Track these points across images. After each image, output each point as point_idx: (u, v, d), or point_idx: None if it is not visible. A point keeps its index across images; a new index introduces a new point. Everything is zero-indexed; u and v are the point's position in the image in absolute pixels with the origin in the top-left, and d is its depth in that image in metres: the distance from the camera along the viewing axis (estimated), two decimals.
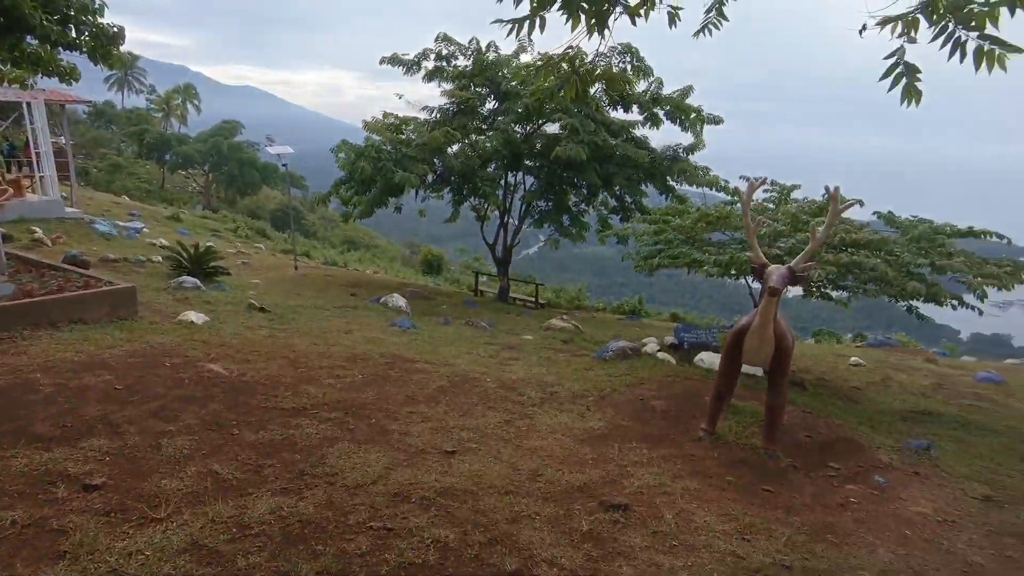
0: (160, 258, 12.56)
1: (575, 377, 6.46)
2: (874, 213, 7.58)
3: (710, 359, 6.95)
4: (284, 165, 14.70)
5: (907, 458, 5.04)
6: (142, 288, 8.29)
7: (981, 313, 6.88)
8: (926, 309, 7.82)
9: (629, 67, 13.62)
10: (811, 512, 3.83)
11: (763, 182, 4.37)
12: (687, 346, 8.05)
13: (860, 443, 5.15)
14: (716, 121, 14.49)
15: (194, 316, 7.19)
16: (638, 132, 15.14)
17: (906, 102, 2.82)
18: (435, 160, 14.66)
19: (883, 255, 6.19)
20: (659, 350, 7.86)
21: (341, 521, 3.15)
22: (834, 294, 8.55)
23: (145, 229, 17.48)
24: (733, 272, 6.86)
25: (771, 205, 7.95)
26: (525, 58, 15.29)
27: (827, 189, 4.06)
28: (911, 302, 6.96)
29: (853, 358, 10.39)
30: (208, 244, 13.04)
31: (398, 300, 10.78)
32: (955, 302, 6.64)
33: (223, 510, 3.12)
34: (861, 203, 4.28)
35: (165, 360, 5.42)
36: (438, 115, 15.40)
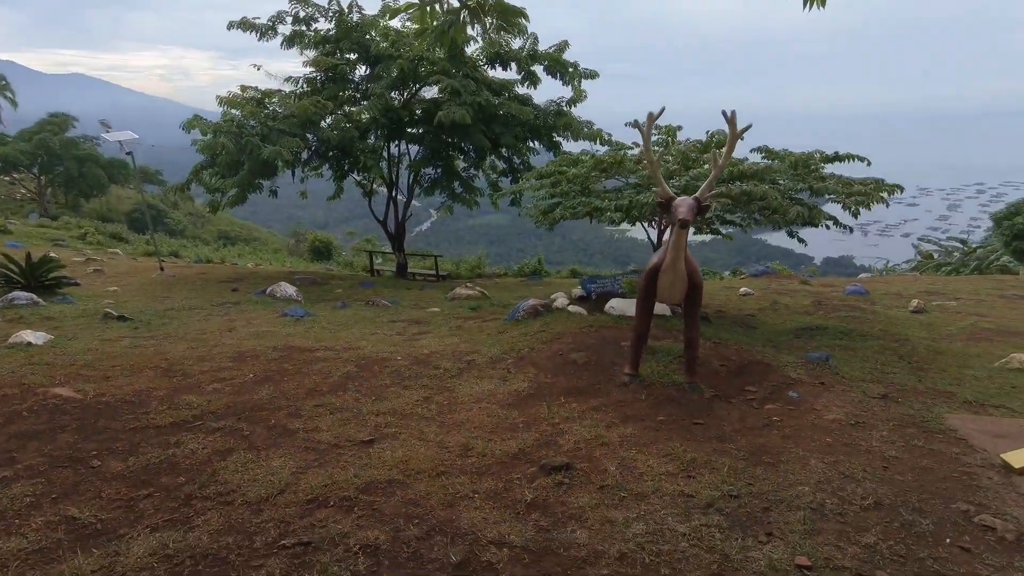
0: None
1: (490, 342, 6.17)
2: (752, 150, 7.90)
3: (620, 305, 6.95)
4: (128, 154, 12.74)
5: (811, 371, 5.32)
6: None
7: (851, 231, 7.45)
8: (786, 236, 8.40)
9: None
10: (742, 437, 3.86)
11: (661, 112, 4.21)
12: (595, 296, 8.04)
13: (769, 363, 5.36)
14: (591, 75, 14.55)
15: (31, 336, 5.98)
16: (519, 91, 14.87)
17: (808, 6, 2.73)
18: (308, 134, 13.47)
19: (768, 184, 6.43)
20: (569, 304, 7.77)
21: (246, 546, 2.63)
22: (722, 230, 8.92)
23: None
24: (635, 214, 6.85)
25: (658, 148, 8.04)
26: (395, 23, 14.38)
27: (724, 114, 3.98)
28: (792, 227, 7.37)
29: (742, 288, 11.07)
30: (46, 254, 11.10)
31: (287, 289, 9.84)
32: (830, 223, 7.11)
33: (85, 565, 2.48)
34: (750, 126, 4.29)
35: None
36: (304, 86, 14.10)
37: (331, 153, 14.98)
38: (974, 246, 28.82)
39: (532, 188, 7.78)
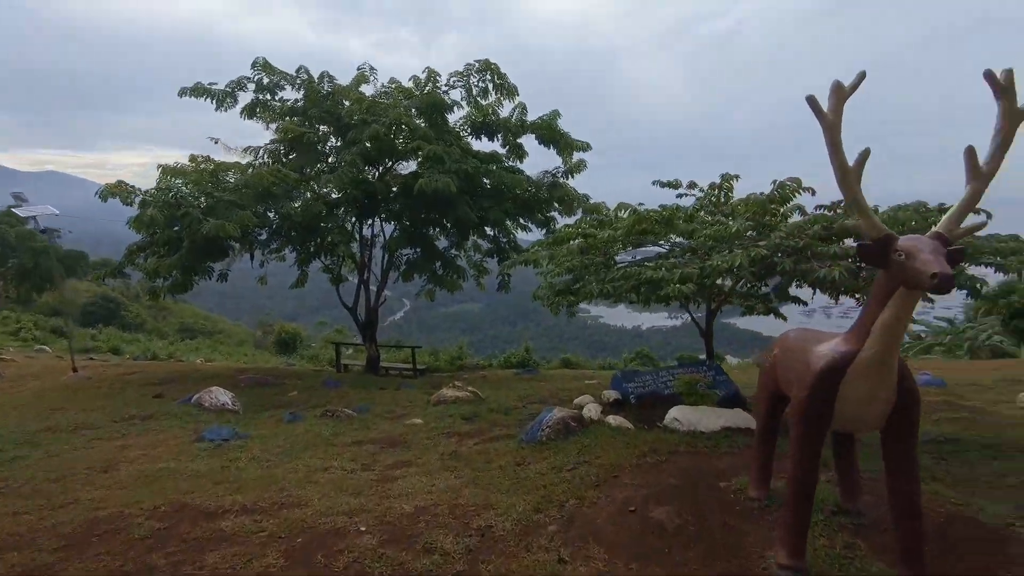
0: None
1: (509, 484, 3.97)
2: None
3: (689, 417, 4.87)
4: (43, 231, 10.63)
5: None
6: None
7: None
8: None
9: (491, 85, 12.02)
10: None
11: (860, 79, 2.34)
12: (634, 400, 5.96)
13: (978, 521, 3.27)
14: (584, 147, 13.29)
15: None
16: (507, 164, 13.47)
17: None
18: (267, 210, 11.63)
19: None
20: (603, 412, 5.67)
21: None
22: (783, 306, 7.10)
23: None
24: (707, 283, 4.97)
25: (702, 206, 6.32)
26: (367, 89, 13.12)
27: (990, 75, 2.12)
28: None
29: None
30: None
31: (219, 396, 7.50)
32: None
33: None
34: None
35: None
36: (265, 156, 12.46)
37: (294, 233, 13.09)
38: (961, 325, 27.93)
39: (546, 259, 5.91)
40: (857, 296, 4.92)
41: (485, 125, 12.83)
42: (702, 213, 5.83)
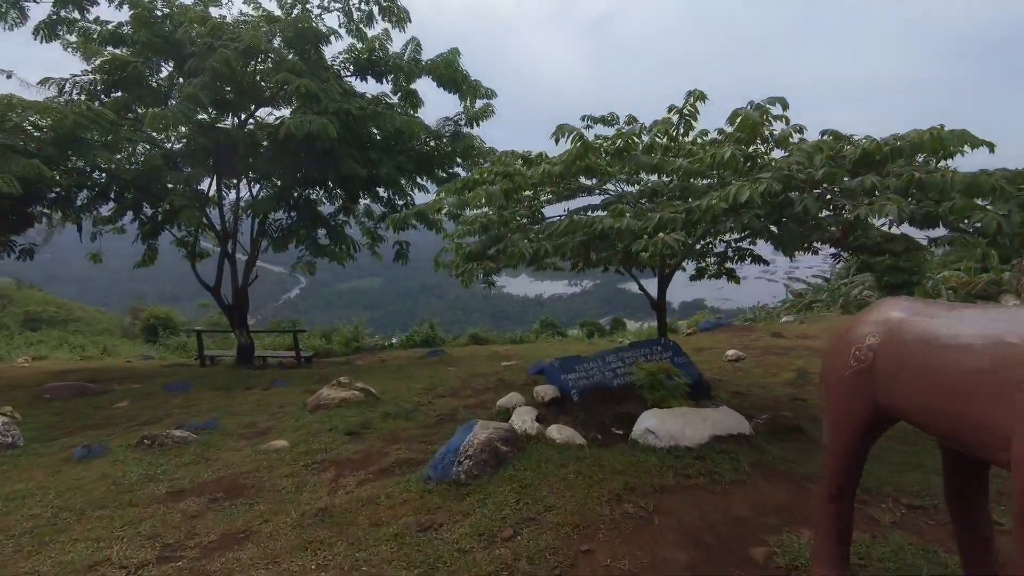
0: None
1: None
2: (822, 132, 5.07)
3: (666, 427, 3.47)
4: None
5: None
6: None
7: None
8: None
9: (376, 8, 9.88)
10: None
11: None
12: (577, 396, 4.51)
13: None
14: (490, 95, 11.54)
15: None
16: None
17: None
18: (78, 159, 8.80)
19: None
20: (538, 416, 4.17)
21: None
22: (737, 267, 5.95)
23: None
24: (696, 230, 3.50)
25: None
26: (220, 14, 10.39)
27: None
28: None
29: (729, 352, 8.20)
30: None
31: None
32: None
33: None
34: None
35: None
36: (76, 92, 9.46)
37: (127, 194, 10.29)
38: (834, 283, 29.92)
39: (454, 207, 4.17)
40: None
41: (371, 64, 10.66)
42: (655, 151, 4.40)
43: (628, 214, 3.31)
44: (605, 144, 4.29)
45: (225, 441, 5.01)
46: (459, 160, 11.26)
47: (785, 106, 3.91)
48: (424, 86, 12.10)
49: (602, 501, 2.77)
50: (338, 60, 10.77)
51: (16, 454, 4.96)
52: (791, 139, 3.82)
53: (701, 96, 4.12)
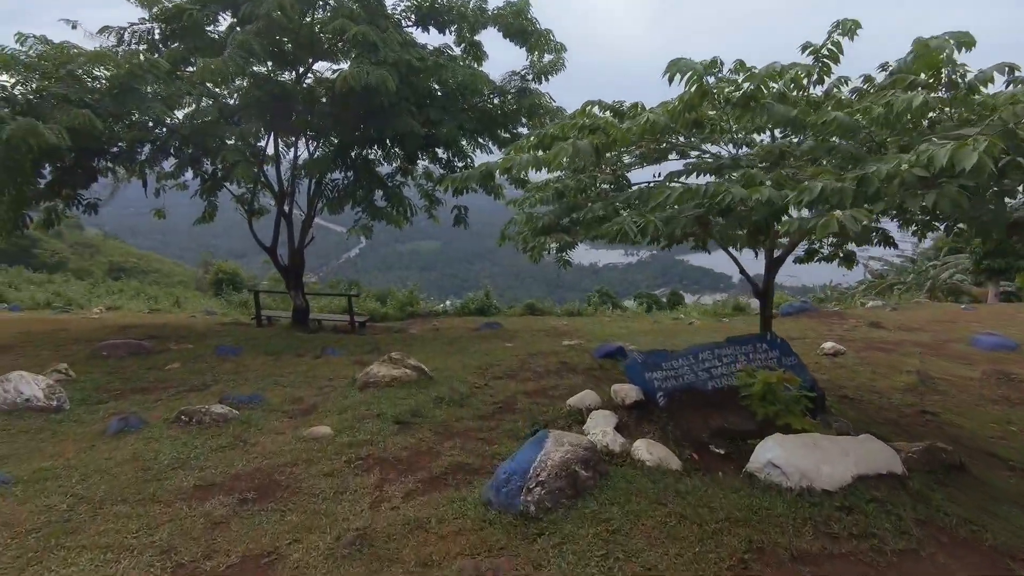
0: None
1: None
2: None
3: (795, 461, 2.71)
4: None
5: None
6: None
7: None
8: None
9: None
10: None
11: None
12: (664, 400, 3.78)
13: None
14: (560, 48, 10.52)
15: None
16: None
17: None
18: (138, 113, 8.57)
19: None
20: (619, 424, 3.48)
21: None
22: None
23: None
24: (882, 206, 2.67)
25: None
26: None
27: None
28: None
29: (826, 344, 7.18)
30: None
31: (23, 387, 4.90)
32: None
33: None
34: None
35: None
36: (135, 41, 9.19)
37: (188, 150, 10.08)
38: (922, 264, 27.08)
39: (527, 165, 3.42)
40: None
41: (434, 12, 9.87)
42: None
43: (767, 182, 2.50)
44: (728, 90, 3.40)
45: (267, 420, 4.61)
46: (524, 120, 10.41)
47: (969, 44, 2.91)
48: (488, 39, 11.24)
49: (721, 567, 2.08)
50: (399, 9, 10.03)
51: (59, 420, 4.73)
52: (983, 89, 2.84)
53: (852, 29, 3.16)
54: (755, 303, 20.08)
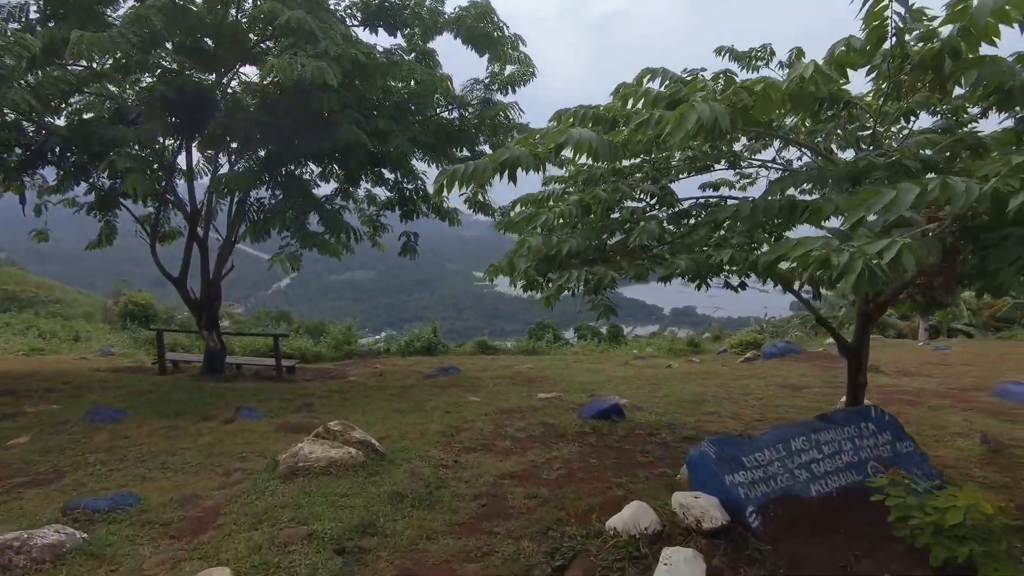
0: None
1: None
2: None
3: None
4: None
5: None
6: None
7: None
8: None
9: None
10: None
11: None
12: (757, 519, 2.50)
13: None
14: (526, 61, 9.45)
15: None
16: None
17: None
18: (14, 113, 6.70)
19: None
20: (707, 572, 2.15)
21: None
22: None
23: None
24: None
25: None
26: None
27: None
28: None
29: (842, 400, 6.22)
30: None
31: None
32: None
33: None
34: None
35: None
36: (5, 18, 7.30)
37: (68, 154, 8.20)
38: (847, 299, 27.78)
39: (594, 145, 2.18)
40: None
41: (382, 12, 8.59)
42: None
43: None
44: (791, 86, 2.28)
45: (131, 550, 2.99)
46: (485, 136, 9.21)
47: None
48: (444, 47, 10.05)
49: None
50: (343, 5, 8.69)
51: None
52: None
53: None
54: (705, 337, 19.36)
